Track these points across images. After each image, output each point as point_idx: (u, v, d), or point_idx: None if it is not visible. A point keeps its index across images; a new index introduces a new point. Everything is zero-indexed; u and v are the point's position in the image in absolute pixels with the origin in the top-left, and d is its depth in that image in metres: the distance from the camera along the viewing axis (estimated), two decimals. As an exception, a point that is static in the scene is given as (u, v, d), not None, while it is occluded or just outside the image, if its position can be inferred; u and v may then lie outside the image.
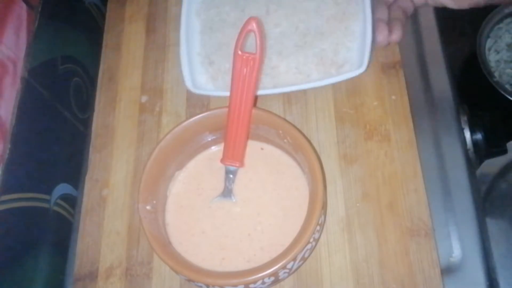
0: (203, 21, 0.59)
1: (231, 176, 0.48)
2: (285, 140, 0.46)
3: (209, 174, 0.49)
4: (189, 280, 0.41)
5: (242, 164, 0.48)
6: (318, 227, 0.41)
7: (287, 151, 0.48)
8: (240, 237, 0.46)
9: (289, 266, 0.40)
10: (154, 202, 0.45)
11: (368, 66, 0.51)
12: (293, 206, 0.46)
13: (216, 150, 0.50)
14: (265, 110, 0.47)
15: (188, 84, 0.54)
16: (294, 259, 0.39)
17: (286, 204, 0.47)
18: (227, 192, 0.48)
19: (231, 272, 0.41)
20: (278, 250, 0.40)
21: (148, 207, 0.44)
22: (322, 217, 0.42)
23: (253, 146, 0.49)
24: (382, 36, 0.50)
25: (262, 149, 0.50)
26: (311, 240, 0.40)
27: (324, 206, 0.43)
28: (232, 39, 0.55)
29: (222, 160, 0.47)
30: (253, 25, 0.41)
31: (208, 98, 0.57)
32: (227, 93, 0.52)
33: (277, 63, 0.54)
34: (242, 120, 0.45)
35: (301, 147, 0.44)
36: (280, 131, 0.45)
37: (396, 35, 0.50)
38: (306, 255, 0.42)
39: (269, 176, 0.48)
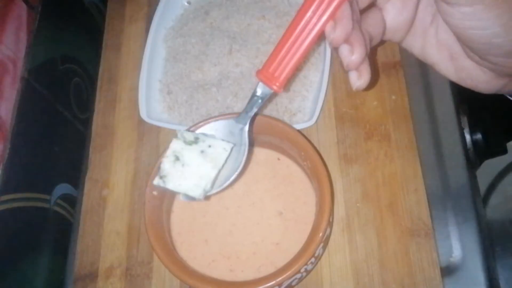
0: (169, 48, 0.59)
1: (259, 101, 0.36)
2: (305, 163, 0.45)
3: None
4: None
5: (280, 88, 0.35)
6: (317, 252, 0.40)
7: (303, 169, 0.48)
8: (244, 246, 0.46)
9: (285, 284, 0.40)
10: None
11: (318, 119, 0.51)
12: (297, 219, 0.46)
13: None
14: (294, 129, 0.45)
15: (143, 113, 0.54)
16: (293, 276, 0.39)
17: (291, 216, 0.46)
18: (241, 118, 0.39)
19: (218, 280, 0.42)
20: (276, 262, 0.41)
21: (155, 193, 0.44)
22: (324, 239, 0.42)
23: (270, 155, 0.49)
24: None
25: (278, 159, 0.49)
26: (308, 263, 0.40)
27: (331, 222, 0.43)
28: (193, 72, 0.55)
29: (258, 73, 0.35)
30: None
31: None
32: (179, 127, 0.51)
33: (232, 104, 0.53)
34: (311, 28, 0.32)
35: (318, 176, 0.43)
36: (302, 153, 0.45)
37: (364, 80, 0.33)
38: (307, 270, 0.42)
39: (279, 186, 0.48)
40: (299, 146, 0.44)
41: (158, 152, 0.55)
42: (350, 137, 0.53)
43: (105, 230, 0.53)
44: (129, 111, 0.59)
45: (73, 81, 0.61)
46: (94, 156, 0.57)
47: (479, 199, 0.51)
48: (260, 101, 0.36)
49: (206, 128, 0.42)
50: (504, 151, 0.55)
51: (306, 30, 0.32)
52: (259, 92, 0.36)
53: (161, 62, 0.59)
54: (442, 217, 0.49)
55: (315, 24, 0.31)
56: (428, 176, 0.50)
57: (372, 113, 0.53)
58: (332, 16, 0.31)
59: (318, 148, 0.52)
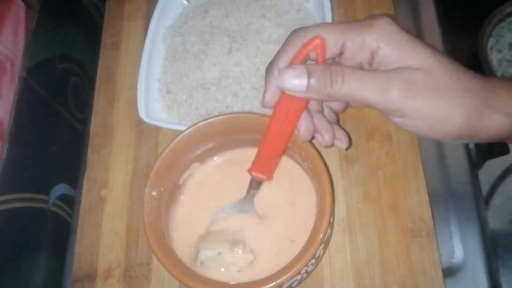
0: (168, 47, 0.59)
1: (254, 186, 0.45)
2: (305, 163, 0.45)
3: (225, 174, 0.49)
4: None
5: (270, 177, 0.45)
6: (317, 253, 0.40)
7: (304, 169, 0.47)
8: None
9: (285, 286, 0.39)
10: (162, 189, 0.45)
11: None
12: (300, 218, 0.45)
13: (237, 153, 0.49)
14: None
15: (141, 113, 0.53)
16: (293, 277, 0.39)
17: (294, 216, 0.46)
18: (247, 201, 0.46)
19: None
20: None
21: (153, 193, 0.44)
22: (326, 236, 0.41)
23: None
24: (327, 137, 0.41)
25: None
26: (309, 264, 0.39)
27: (331, 223, 0.42)
28: (192, 71, 0.55)
29: (249, 170, 0.44)
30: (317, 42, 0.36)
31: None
32: (178, 126, 0.51)
33: (232, 103, 0.53)
34: (284, 132, 0.40)
35: (318, 177, 0.42)
36: (303, 153, 0.44)
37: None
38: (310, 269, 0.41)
39: (281, 185, 0.47)
40: (299, 146, 0.44)
41: (157, 152, 0.55)
42: (351, 137, 0.52)
43: (104, 230, 0.52)
44: (127, 110, 0.58)
45: (71, 80, 0.61)
46: (92, 156, 0.57)
47: (481, 200, 0.51)
48: (255, 187, 0.45)
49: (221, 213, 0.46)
50: (507, 151, 0.55)
51: (280, 134, 0.40)
52: (253, 182, 0.45)
53: (160, 61, 0.58)
54: (444, 218, 0.49)
55: (286, 130, 0.40)
56: (430, 176, 0.50)
57: (373, 113, 0.53)
58: (296, 121, 0.39)
59: (318, 148, 0.52)
